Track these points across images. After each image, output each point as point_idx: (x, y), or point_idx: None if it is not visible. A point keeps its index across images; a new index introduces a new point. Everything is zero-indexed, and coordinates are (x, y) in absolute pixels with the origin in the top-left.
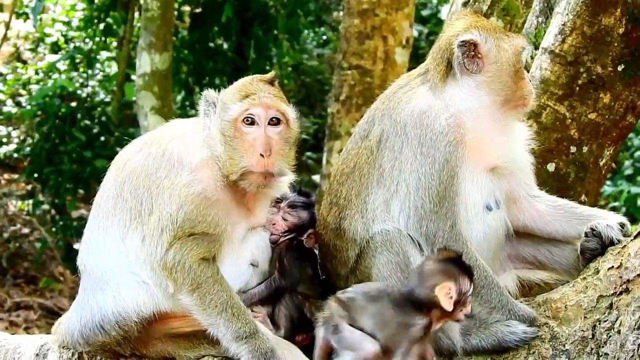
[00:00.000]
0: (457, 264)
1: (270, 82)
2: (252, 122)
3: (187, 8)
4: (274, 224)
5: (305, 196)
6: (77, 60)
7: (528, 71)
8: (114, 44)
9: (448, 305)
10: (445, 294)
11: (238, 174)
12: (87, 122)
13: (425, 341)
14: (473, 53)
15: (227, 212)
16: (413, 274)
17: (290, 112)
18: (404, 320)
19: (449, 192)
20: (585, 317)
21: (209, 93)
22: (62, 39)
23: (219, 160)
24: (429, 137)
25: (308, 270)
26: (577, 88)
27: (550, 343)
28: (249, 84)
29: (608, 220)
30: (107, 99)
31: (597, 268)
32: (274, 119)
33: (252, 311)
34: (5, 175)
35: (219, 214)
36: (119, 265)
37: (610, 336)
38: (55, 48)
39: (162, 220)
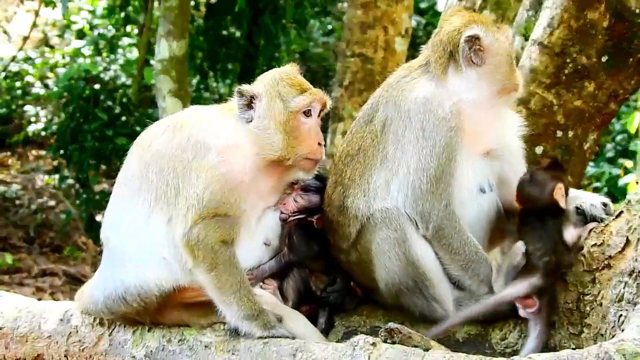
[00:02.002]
0: (557, 166)
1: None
2: (310, 114)
3: None
4: (284, 204)
5: (320, 181)
6: (101, 46)
7: (518, 61)
8: (135, 31)
9: (564, 203)
10: (561, 195)
11: (295, 160)
12: (109, 103)
13: None
14: (477, 47)
15: (248, 194)
16: (530, 187)
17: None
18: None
19: (445, 174)
20: (570, 290)
21: (245, 87)
22: (87, 26)
23: (271, 147)
24: (431, 122)
25: (315, 248)
26: (564, 77)
27: None
28: (295, 77)
29: (592, 200)
30: (128, 82)
31: (581, 245)
32: (321, 111)
33: (264, 284)
34: (34, 152)
35: (242, 196)
36: (143, 244)
37: (593, 308)
38: (80, 34)
39: (189, 200)
